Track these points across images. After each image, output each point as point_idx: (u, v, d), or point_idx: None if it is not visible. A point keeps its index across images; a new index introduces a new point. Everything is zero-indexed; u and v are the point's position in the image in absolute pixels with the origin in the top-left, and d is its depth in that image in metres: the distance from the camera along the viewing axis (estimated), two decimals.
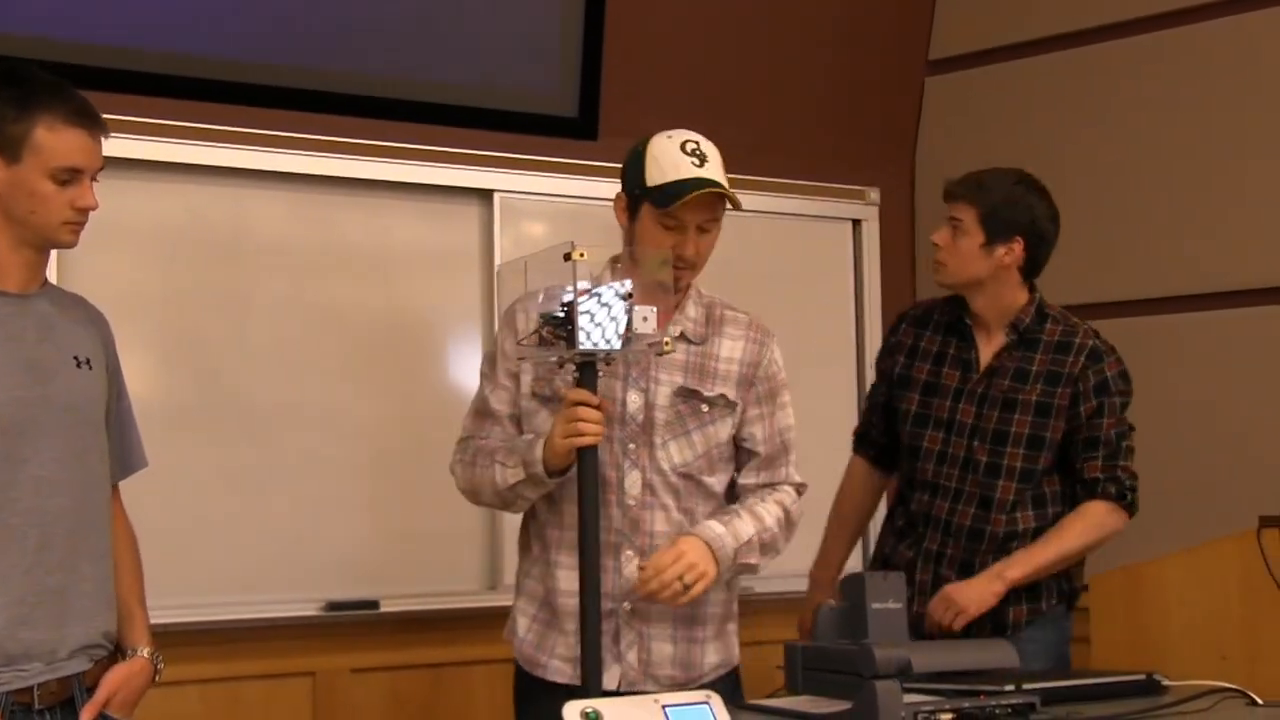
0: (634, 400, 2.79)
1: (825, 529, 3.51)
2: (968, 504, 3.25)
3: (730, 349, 2.85)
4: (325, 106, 4.06)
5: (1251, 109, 4.30)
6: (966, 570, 3.24)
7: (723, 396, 2.81)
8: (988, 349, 3.31)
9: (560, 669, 2.79)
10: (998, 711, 2.44)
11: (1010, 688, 2.51)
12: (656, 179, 2.75)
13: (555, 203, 4.25)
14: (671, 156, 2.76)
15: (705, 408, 2.80)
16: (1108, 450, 3.21)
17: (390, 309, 4.04)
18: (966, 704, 2.43)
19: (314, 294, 3.95)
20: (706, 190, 2.72)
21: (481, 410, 2.89)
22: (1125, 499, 3.21)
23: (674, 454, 2.79)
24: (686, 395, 2.79)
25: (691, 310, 2.86)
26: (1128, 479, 3.22)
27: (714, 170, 2.77)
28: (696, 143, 2.78)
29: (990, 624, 3.20)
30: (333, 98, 4.08)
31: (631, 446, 2.78)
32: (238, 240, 3.87)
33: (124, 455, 2.68)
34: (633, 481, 2.77)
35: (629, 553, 2.76)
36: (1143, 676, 2.75)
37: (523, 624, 2.87)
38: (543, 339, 2.53)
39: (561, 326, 2.48)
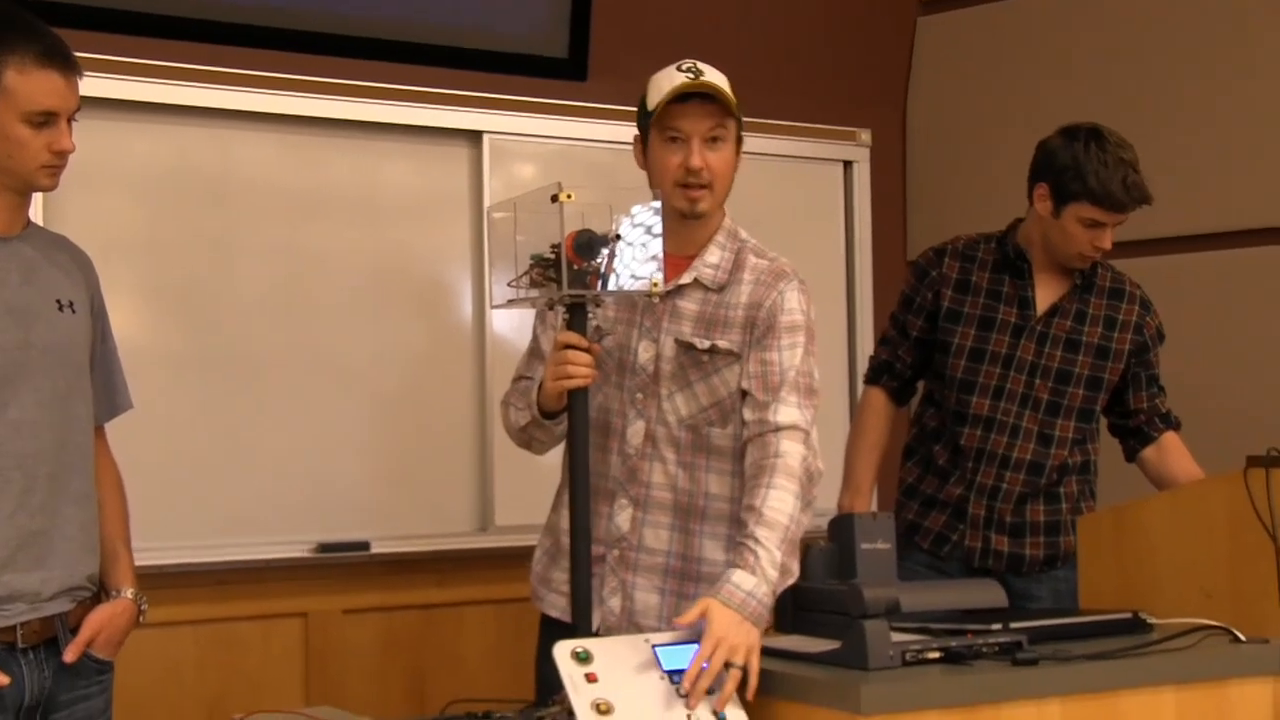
0: (646, 350, 2.74)
1: (846, 460, 3.53)
2: (1026, 439, 3.35)
3: (740, 295, 2.74)
4: (313, 47, 4.04)
5: (1260, 46, 4.25)
6: (1021, 504, 3.34)
7: (717, 347, 2.71)
8: (1044, 289, 3.38)
9: (555, 602, 2.79)
10: (984, 650, 2.44)
11: (997, 626, 2.51)
12: (654, 100, 2.69)
13: (545, 144, 4.23)
14: (668, 76, 2.70)
15: (705, 359, 2.72)
16: (1160, 386, 3.45)
17: (379, 251, 4.03)
18: (954, 643, 2.44)
19: (302, 236, 3.93)
20: (693, 88, 2.64)
21: (531, 350, 2.87)
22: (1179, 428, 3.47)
23: (680, 406, 2.73)
24: (686, 347, 2.73)
25: (714, 256, 2.76)
26: None
27: (710, 79, 2.68)
28: (694, 63, 2.71)
29: (1044, 554, 3.36)
30: (321, 38, 4.06)
31: (639, 396, 2.74)
32: (224, 181, 3.85)
33: (109, 398, 2.68)
34: (635, 431, 2.74)
35: (623, 501, 2.74)
36: (1129, 615, 2.75)
37: (536, 554, 2.89)
38: (533, 281, 2.51)
39: (551, 268, 2.47)
